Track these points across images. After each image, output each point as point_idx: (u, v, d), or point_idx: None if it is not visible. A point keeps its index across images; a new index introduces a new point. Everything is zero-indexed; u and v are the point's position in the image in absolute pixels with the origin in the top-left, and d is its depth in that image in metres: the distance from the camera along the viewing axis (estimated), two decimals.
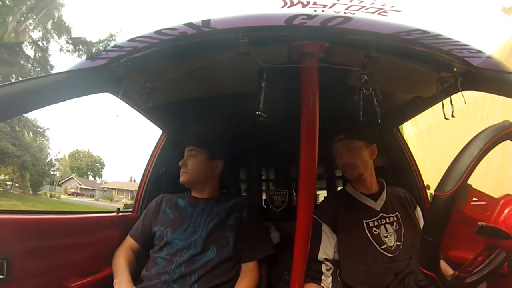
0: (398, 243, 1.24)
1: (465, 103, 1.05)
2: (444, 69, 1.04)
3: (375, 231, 1.25)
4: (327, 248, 1.27)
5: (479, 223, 0.74)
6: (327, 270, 1.25)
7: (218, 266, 1.25)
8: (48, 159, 33.85)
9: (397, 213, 1.30)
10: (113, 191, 41.88)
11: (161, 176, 1.80)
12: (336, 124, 1.37)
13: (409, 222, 1.30)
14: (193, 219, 1.35)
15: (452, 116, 1.08)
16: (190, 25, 0.86)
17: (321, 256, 1.25)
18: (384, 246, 1.23)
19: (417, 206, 1.39)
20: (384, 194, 1.35)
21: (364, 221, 1.27)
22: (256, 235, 1.38)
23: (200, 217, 1.35)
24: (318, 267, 1.25)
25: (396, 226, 1.27)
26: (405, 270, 1.18)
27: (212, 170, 1.41)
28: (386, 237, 1.24)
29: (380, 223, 1.27)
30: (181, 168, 1.39)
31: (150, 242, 1.36)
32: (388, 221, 1.28)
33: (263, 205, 2.49)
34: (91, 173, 52.36)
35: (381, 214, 1.29)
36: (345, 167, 1.33)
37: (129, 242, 1.39)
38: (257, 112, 0.86)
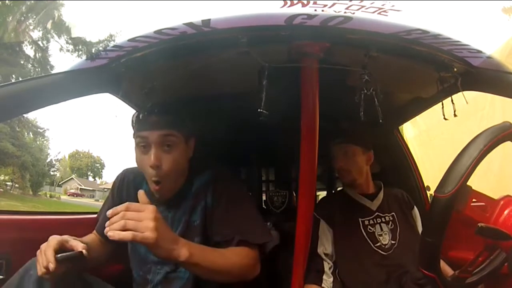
0: (392, 242, 1.26)
1: (467, 103, 1.05)
2: (444, 69, 1.04)
3: (370, 229, 1.28)
4: (326, 243, 1.29)
5: (479, 224, 0.73)
6: (329, 269, 1.27)
7: (203, 283, 0.98)
8: (48, 160, 33.85)
9: (393, 213, 1.32)
10: None
11: None
12: (336, 124, 1.37)
13: (405, 222, 1.32)
14: None
15: (455, 115, 1.08)
16: (190, 24, 0.86)
17: (320, 250, 1.27)
18: (378, 244, 1.25)
19: (415, 207, 1.40)
20: (381, 195, 1.37)
21: (360, 219, 1.30)
22: (230, 219, 0.98)
23: (166, 219, 0.94)
24: (319, 266, 1.26)
25: (391, 226, 1.29)
26: (400, 268, 1.20)
27: (188, 156, 1.04)
28: (380, 235, 1.26)
29: (375, 222, 1.29)
30: (153, 171, 0.94)
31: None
32: (383, 220, 1.30)
33: (263, 206, 2.49)
34: (91, 174, 52.44)
35: (376, 213, 1.32)
36: (339, 171, 1.36)
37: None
38: (258, 110, 0.86)
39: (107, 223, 0.73)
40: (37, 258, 0.81)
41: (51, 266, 0.76)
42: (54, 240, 0.82)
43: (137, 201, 0.93)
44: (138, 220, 0.73)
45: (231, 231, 0.95)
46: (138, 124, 0.96)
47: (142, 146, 0.95)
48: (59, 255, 0.78)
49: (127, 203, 0.76)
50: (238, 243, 0.94)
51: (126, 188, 1.11)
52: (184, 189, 1.04)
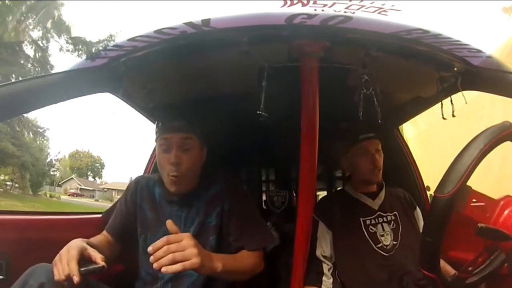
0: (394, 242, 1.24)
1: (466, 103, 1.05)
2: (444, 69, 1.04)
3: (371, 229, 1.26)
4: (324, 245, 1.27)
5: (478, 224, 0.73)
6: (328, 270, 1.25)
7: (211, 281, 1.06)
8: (48, 159, 34.00)
9: (395, 213, 1.30)
10: (113, 192, 41.91)
11: None
12: (336, 124, 1.37)
13: (407, 222, 1.30)
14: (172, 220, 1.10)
15: (453, 115, 1.08)
16: (190, 24, 0.86)
17: (318, 252, 1.26)
18: (379, 245, 1.23)
19: (417, 207, 1.38)
20: (382, 194, 1.34)
21: (361, 219, 1.27)
22: (243, 227, 1.12)
23: (179, 218, 1.10)
24: (319, 268, 1.25)
25: (393, 225, 1.27)
26: (401, 269, 1.18)
27: (202, 161, 1.15)
28: (382, 235, 1.24)
29: (377, 221, 1.27)
30: (171, 169, 1.05)
31: (130, 240, 1.17)
32: (385, 220, 1.28)
33: (263, 206, 2.49)
34: (91, 174, 52.49)
35: (378, 212, 1.29)
36: (375, 168, 1.27)
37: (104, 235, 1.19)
38: (258, 112, 0.86)
39: (152, 258, 0.79)
40: (55, 264, 0.83)
41: (76, 279, 0.79)
42: (74, 250, 0.84)
43: (150, 202, 1.16)
44: (182, 250, 0.81)
45: (244, 237, 1.11)
46: (162, 129, 1.08)
47: (164, 147, 1.07)
48: (83, 269, 0.82)
49: (165, 237, 0.82)
50: (250, 248, 1.09)
51: (140, 192, 1.19)
52: (197, 192, 1.14)
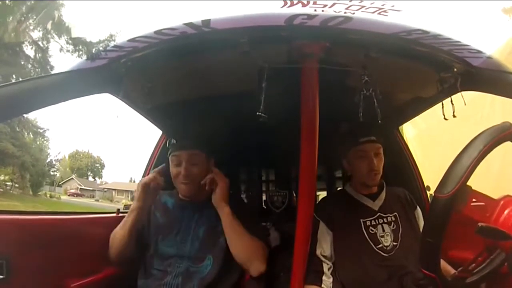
0: (394, 243, 1.24)
1: (465, 104, 1.05)
2: (444, 69, 1.04)
3: (371, 230, 1.26)
4: (324, 245, 1.28)
5: (479, 223, 0.73)
6: (328, 269, 1.26)
7: (219, 279, 1.18)
8: (48, 160, 33.99)
9: (395, 213, 1.30)
10: (113, 192, 41.91)
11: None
12: (337, 125, 1.37)
13: (407, 222, 1.30)
14: (183, 224, 1.27)
15: (454, 116, 1.08)
16: (190, 25, 0.86)
17: (318, 251, 1.27)
18: (379, 246, 1.23)
19: (417, 207, 1.38)
20: (383, 194, 1.35)
21: (361, 220, 1.28)
22: (247, 229, 1.24)
23: (190, 222, 1.27)
24: (319, 267, 1.25)
25: (393, 226, 1.27)
26: (401, 270, 1.19)
27: (208, 171, 1.27)
28: (382, 236, 1.25)
29: (377, 222, 1.28)
30: (182, 178, 1.22)
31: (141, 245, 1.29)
32: (385, 221, 1.28)
33: (263, 206, 2.49)
34: (91, 174, 52.49)
35: (378, 213, 1.30)
36: (372, 172, 1.28)
37: None
38: (257, 113, 0.86)
39: None
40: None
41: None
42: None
43: (163, 211, 1.33)
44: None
45: None
46: (172, 147, 1.25)
47: (176, 163, 1.24)
48: None
49: None
50: None
51: (153, 203, 1.33)
52: (208, 203, 1.25)
